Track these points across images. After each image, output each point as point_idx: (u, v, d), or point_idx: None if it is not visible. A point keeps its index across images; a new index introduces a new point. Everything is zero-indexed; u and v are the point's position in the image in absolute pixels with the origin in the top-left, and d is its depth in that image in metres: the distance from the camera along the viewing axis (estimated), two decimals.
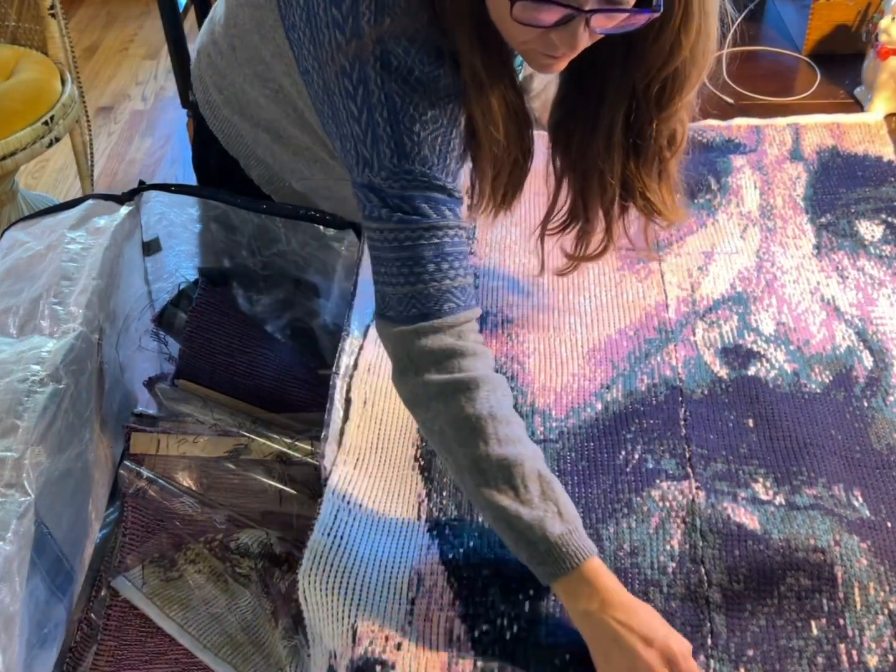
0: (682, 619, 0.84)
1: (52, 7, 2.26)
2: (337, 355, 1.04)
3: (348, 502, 0.95)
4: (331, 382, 1.01)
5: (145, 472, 1.18)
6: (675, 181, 1.02)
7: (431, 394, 0.85)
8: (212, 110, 1.16)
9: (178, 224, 1.27)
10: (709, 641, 0.83)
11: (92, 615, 1.10)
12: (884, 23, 1.44)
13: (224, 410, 1.24)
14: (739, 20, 1.71)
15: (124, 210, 1.21)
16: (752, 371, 1.07)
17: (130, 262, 1.24)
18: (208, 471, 1.19)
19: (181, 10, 2.96)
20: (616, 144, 0.96)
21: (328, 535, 0.91)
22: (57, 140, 2.28)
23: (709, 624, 0.84)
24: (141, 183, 1.24)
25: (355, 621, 0.84)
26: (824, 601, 0.85)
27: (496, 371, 0.87)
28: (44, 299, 1.10)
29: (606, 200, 1.01)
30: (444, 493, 0.97)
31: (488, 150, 0.90)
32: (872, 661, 0.81)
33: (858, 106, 1.53)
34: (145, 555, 1.14)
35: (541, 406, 1.05)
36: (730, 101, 1.56)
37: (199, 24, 3.04)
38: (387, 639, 0.83)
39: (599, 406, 1.05)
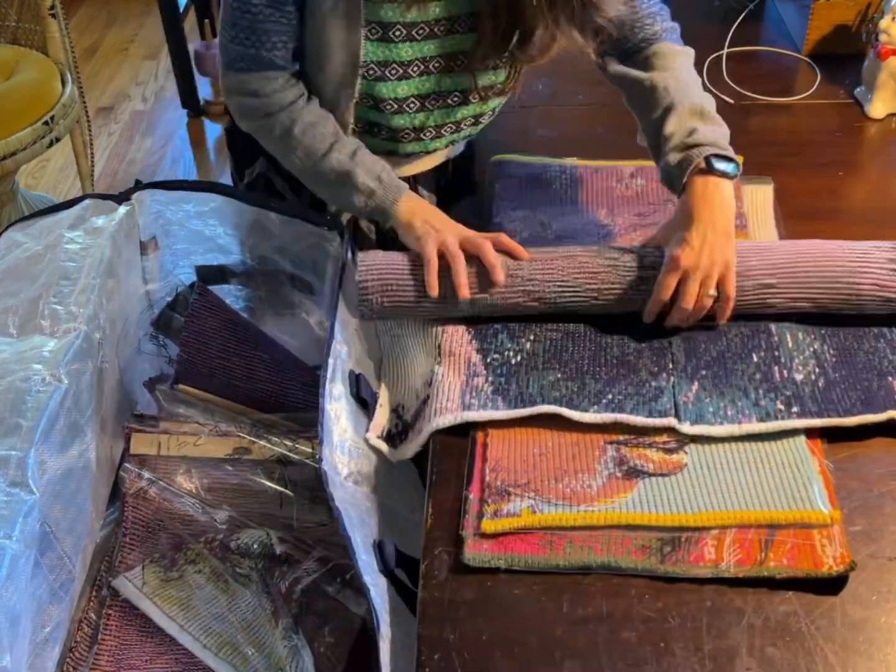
0: (649, 347, 1.09)
1: (52, 7, 2.26)
2: (323, 360, 1.04)
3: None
4: (320, 390, 1.01)
5: (146, 474, 1.18)
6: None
7: (249, 129, 1.21)
8: None
9: (175, 222, 1.27)
10: (670, 365, 1.07)
11: (92, 615, 1.10)
12: (884, 23, 1.44)
13: (224, 413, 1.24)
14: (739, 20, 1.72)
15: (122, 209, 1.21)
16: None
17: (129, 261, 1.24)
18: (208, 472, 1.19)
19: (181, 10, 2.97)
20: None
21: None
22: (57, 140, 2.28)
23: (671, 354, 1.08)
24: (137, 182, 1.24)
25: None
26: (762, 341, 1.08)
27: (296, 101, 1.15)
28: (43, 299, 1.10)
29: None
30: None
31: None
32: (798, 377, 1.04)
33: (858, 106, 1.53)
34: (145, 555, 1.14)
35: None
36: (730, 101, 1.57)
37: (200, 24, 3.05)
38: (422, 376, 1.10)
39: None
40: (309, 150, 1.15)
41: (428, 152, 1.28)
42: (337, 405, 1.06)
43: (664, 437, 1.00)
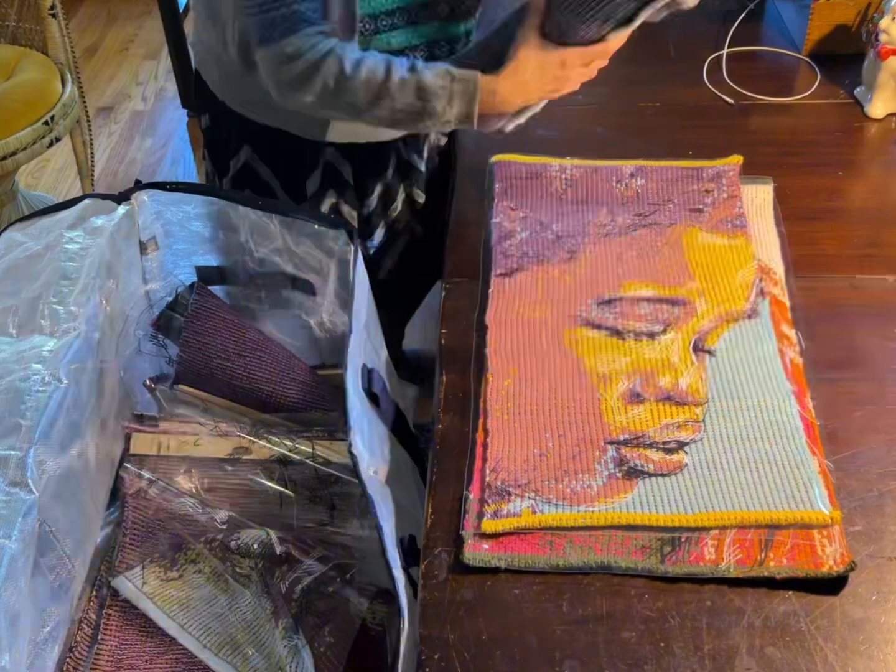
0: None
1: (52, 7, 2.26)
2: (341, 354, 1.03)
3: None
4: (344, 381, 1.00)
5: (146, 474, 1.18)
6: None
7: (309, 104, 1.12)
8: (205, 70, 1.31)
9: (175, 223, 1.27)
10: None
11: (92, 615, 1.10)
12: (884, 23, 1.44)
13: (224, 413, 1.24)
14: (739, 20, 1.72)
15: (121, 209, 1.21)
16: None
17: (128, 261, 1.24)
18: (209, 472, 1.19)
19: (181, 10, 2.97)
20: None
21: None
22: (57, 140, 2.28)
23: None
24: (137, 182, 1.24)
25: None
26: None
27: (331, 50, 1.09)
28: (43, 299, 1.10)
29: None
30: None
31: None
32: None
33: (858, 106, 1.53)
34: (145, 555, 1.14)
35: None
36: (730, 101, 1.56)
37: None
38: None
39: None
40: (369, 82, 1.09)
41: None
42: (355, 398, 1.05)
43: (664, 437, 1.00)
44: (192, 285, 1.28)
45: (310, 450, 1.18)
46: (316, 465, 1.19)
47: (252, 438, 1.20)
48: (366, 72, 1.09)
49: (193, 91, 1.41)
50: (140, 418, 1.25)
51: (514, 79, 1.11)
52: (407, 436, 1.20)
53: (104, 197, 1.22)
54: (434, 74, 1.09)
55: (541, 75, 1.12)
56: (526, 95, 1.14)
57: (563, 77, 1.13)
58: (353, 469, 0.95)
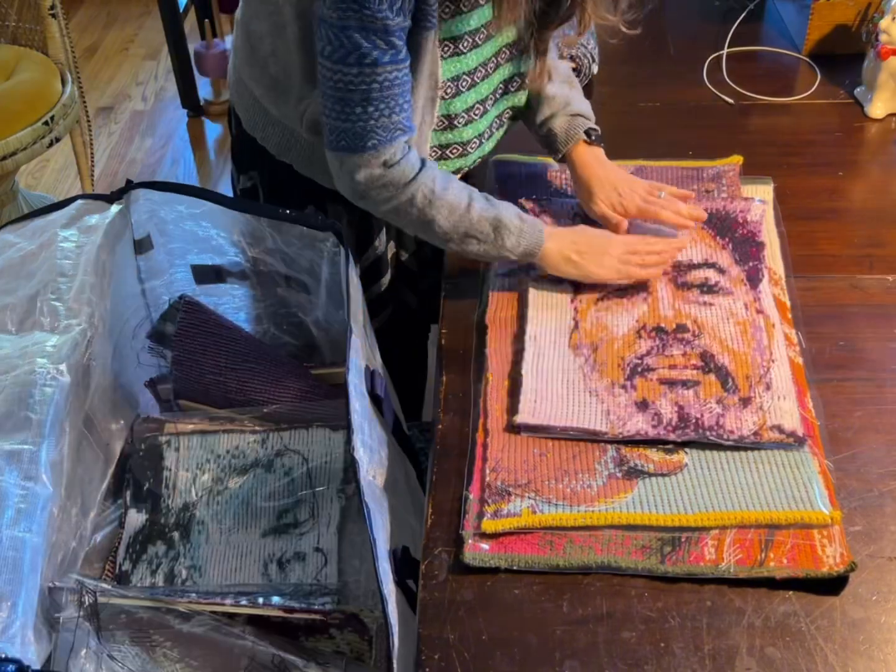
0: None
1: (52, 7, 2.26)
2: (345, 353, 1.02)
3: None
4: (346, 384, 1.00)
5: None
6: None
7: (383, 212, 1.14)
8: (237, 86, 1.26)
9: (169, 221, 1.27)
10: None
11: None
12: (884, 23, 1.44)
13: (226, 416, 1.26)
14: (739, 20, 1.72)
15: (114, 208, 1.21)
16: None
17: (123, 260, 1.25)
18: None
19: (181, 10, 2.97)
20: None
21: None
22: (57, 140, 2.28)
23: None
24: (128, 182, 1.23)
25: None
26: None
27: (424, 163, 1.11)
28: (41, 296, 1.11)
29: None
30: None
31: None
32: None
33: (858, 106, 1.53)
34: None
35: None
36: (730, 101, 1.56)
37: (200, 24, 3.05)
38: None
39: None
40: (452, 206, 1.11)
41: (483, 159, 1.29)
42: (357, 401, 1.05)
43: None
44: (180, 297, 1.29)
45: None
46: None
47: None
48: (451, 195, 1.11)
49: (236, 148, 1.36)
50: (146, 420, 1.27)
51: (577, 248, 1.16)
52: (401, 437, 1.20)
53: (96, 197, 1.22)
54: (509, 213, 1.14)
55: (591, 254, 1.16)
56: (579, 270, 1.17)
57: (609, 269, 1.16)
58: (354, 473, 0.95)
